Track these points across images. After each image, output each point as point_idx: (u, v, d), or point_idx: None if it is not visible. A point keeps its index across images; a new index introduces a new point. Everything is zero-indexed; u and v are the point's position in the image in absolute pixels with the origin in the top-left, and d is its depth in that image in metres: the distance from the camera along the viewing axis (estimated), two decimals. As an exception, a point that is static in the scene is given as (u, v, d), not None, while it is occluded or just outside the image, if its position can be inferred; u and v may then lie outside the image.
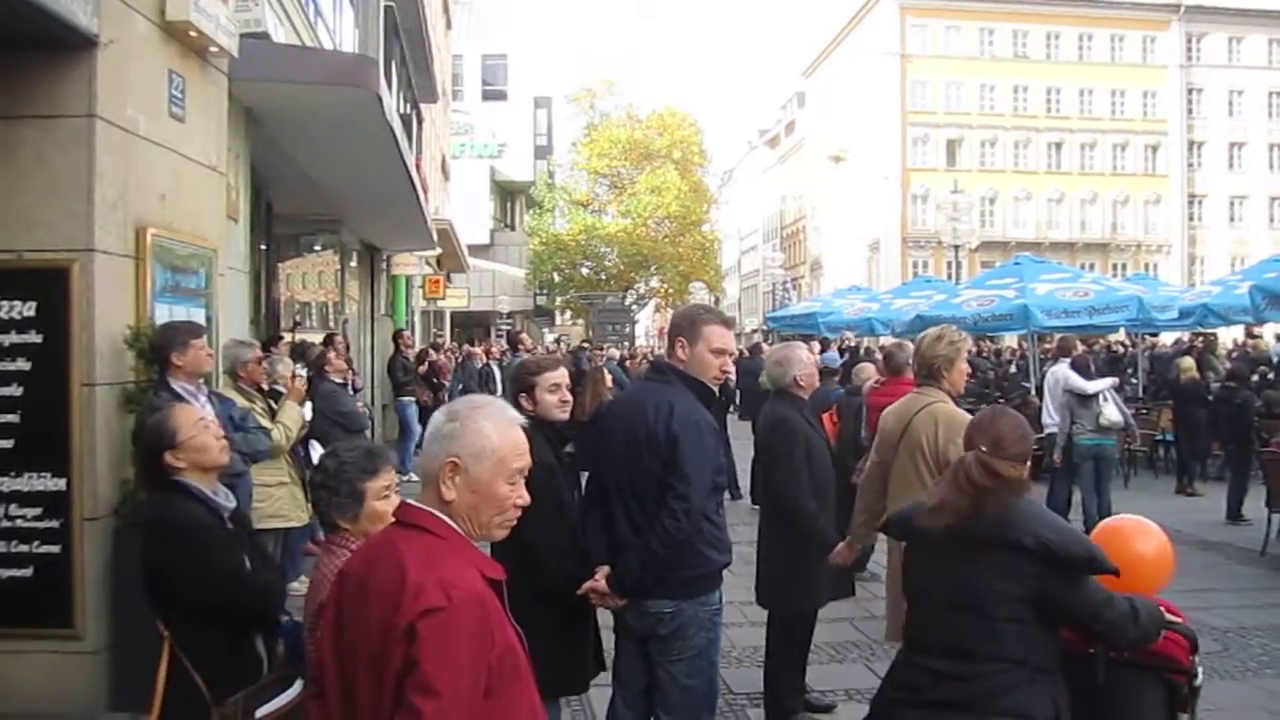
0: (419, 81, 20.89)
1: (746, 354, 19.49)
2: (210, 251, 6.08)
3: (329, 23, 12.57)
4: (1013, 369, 20.39)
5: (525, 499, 2.16)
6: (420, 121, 21.98)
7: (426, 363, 14.85)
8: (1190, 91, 52.67)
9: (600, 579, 3.66)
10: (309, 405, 7.31)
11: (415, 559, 1.95)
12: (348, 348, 12.02)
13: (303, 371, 7.47)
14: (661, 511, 3.59)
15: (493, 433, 2.08)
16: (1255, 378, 15.52)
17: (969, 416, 4.42)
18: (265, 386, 6.66)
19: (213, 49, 5.90)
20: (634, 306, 47.93)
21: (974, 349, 23.83)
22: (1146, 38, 52.39)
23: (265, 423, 6.09)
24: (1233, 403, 11.79)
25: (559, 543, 3.75)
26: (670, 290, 49.45)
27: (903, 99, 50.18)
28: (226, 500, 3.35)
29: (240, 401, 5.93)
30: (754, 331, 57.42)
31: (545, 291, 47.13)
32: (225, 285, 6.59)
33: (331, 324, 14.81)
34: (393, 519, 2.16)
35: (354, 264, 16.87)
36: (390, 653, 1.88)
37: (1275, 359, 18.85)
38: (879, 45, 50.73)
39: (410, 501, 2.14)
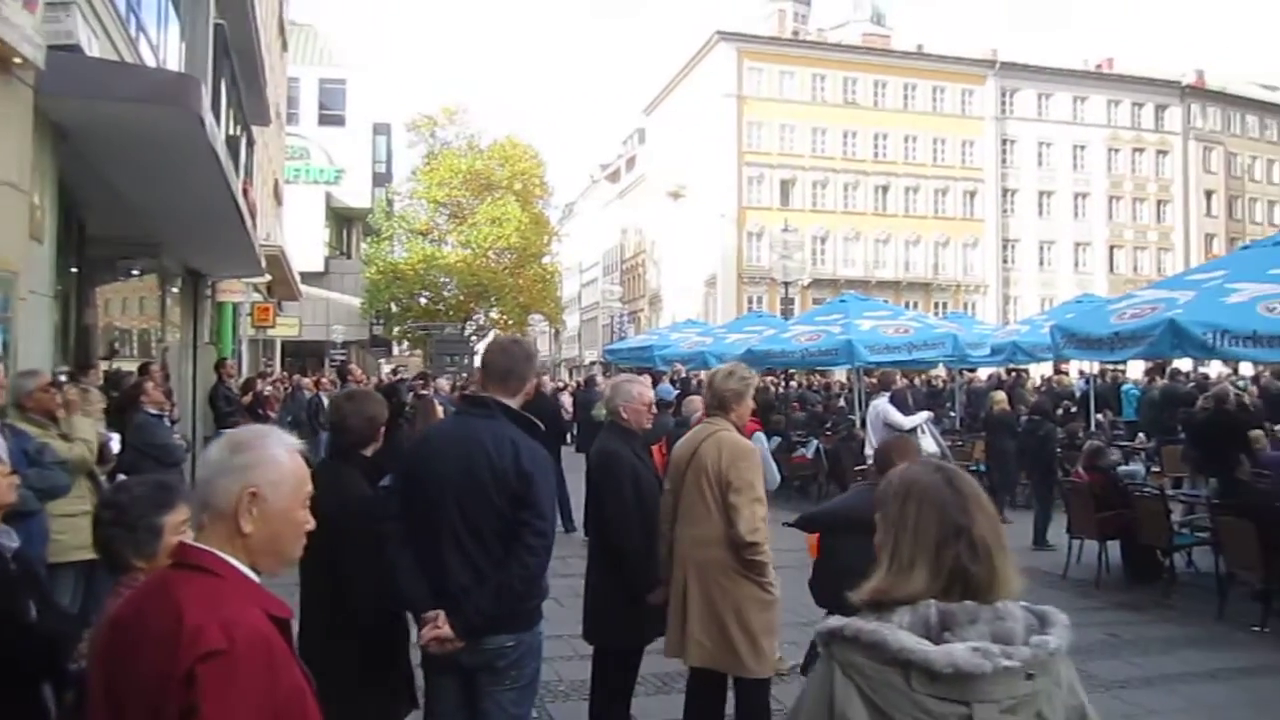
0: (250, 103, 20.23)
1: (582, 386, 19.55)
2: (9, 274, 5.74)
3: (152, 38, 12.05)
4: (841, 402, 21.07)
5: (312, 523, 2.12)
6: (251, 144, 21.30)
7: (252, 393, 14.32)
8: (1004, 142, 56.20)
9: (443, 626, 3.53)
10: (116, 438, 6.93)
11: (194, 600, 1.85)
12: (166, 377, 11.48)
13: (63, 375, 7.06)
14: (516, 548, 3.57)
15: (286, 459, 2.06)
16: (1059, 411, 16.51)
17: (751, 444, 4.69)
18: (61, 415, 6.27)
19: (16, 60, 5.59)
20: (473, 338, 47.38)
21: (805, 383, 24.61)
22: (965, 90, 55.65)
23: (62, 451, 5.73)
24: (1038, 435, 12.51)
25: (378, 578, 3.66)
26: (510, 322, 49.14)
27: (739, 139, 51.62)
28: (9, 540, 3.13)
29: (34, 432, 5.57)
30: (592, 364, 57.72)
31: (382, 321, 46.21)
32: (26, 310, 6.21)
33: (152, 352, 14.15)
34: (168, 561, 2.05)
35: (176, 290, 16.16)
36: (166, 702, 1.77)
37: (1078, 394, 20.10)
38: (717, 86, 52.11)
39: (187, 541, 2.04)
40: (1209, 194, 60.89)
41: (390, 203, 49.06)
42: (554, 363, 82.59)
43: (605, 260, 78.66)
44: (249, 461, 2.01)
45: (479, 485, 3.62)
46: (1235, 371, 22.42)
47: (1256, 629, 8.08)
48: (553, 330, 74.37)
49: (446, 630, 3.52)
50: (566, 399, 23.67)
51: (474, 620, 3.54)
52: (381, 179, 48.50)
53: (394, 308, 46.04)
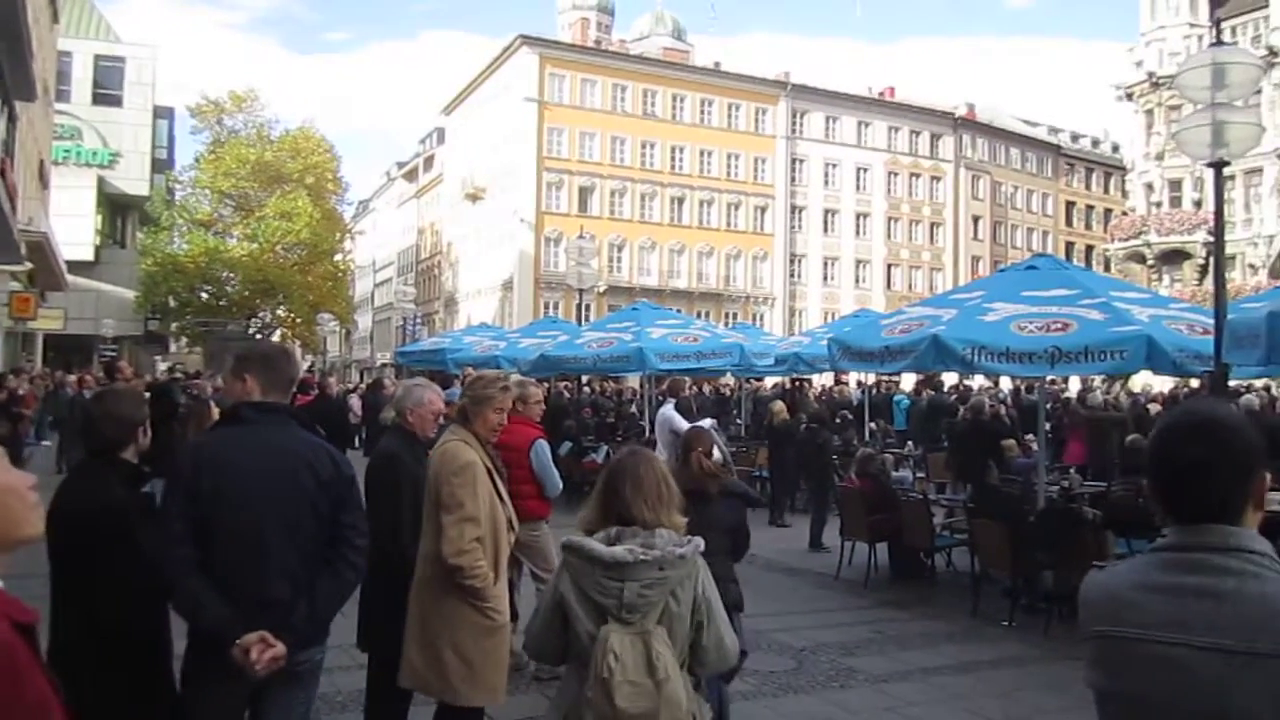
0: (13, 76, 18.81)
1: (368, 389, 19.11)
2: None
3: (-104, 0, 11.06)
4: (632, 409, 21.42)
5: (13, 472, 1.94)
6: (13, 120, 19.81)
7: (5, 390, 13.30)
8: (794, 161, 58.68)
9: (275, 644, 3.32)
10: None
11: None
12: (-96, 370, 10.53)
13: None
14: (343, 552, 3.51)
15: None
16: (837, 420, 17.35)
17: (469, 458, 4.42)
18: None
19: None
20: (258, 336, 45.50)
21: (597, 389, 24.89)
22: (759, 110, 57.77)
23: None
24: (815, 442, 13.10)
25: (135, 588, 3.46)
26: (298, 320, 47.49)
27: (539, 144, 51.70)
28: None
29: None
30: (383, 365, 56.51)
31: (159, 316, 43.73)
32: None
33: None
34: None
35: (-81, 275, 14.85)
36: None
37: (855, 403, 21.17)
38: (519, 90, 52.04)
39: None
40: (976, 219, 65.48)
41: (171, 191, 46.66)
42: (344, 364, 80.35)
43: (400, 260, 77.21)
44: None
45: (301, 495, 3.48)
46: (996, 385, 24.15)
47: (1005, 623, 8.72)
48: (343, 330, 72.35)
49: (281, 647, 3.33)
50: (355, 401, 23.09)
51: (307, 632, 3.43)
52: (162, 165, 46.05)
53: (172, 302, 43.68)
